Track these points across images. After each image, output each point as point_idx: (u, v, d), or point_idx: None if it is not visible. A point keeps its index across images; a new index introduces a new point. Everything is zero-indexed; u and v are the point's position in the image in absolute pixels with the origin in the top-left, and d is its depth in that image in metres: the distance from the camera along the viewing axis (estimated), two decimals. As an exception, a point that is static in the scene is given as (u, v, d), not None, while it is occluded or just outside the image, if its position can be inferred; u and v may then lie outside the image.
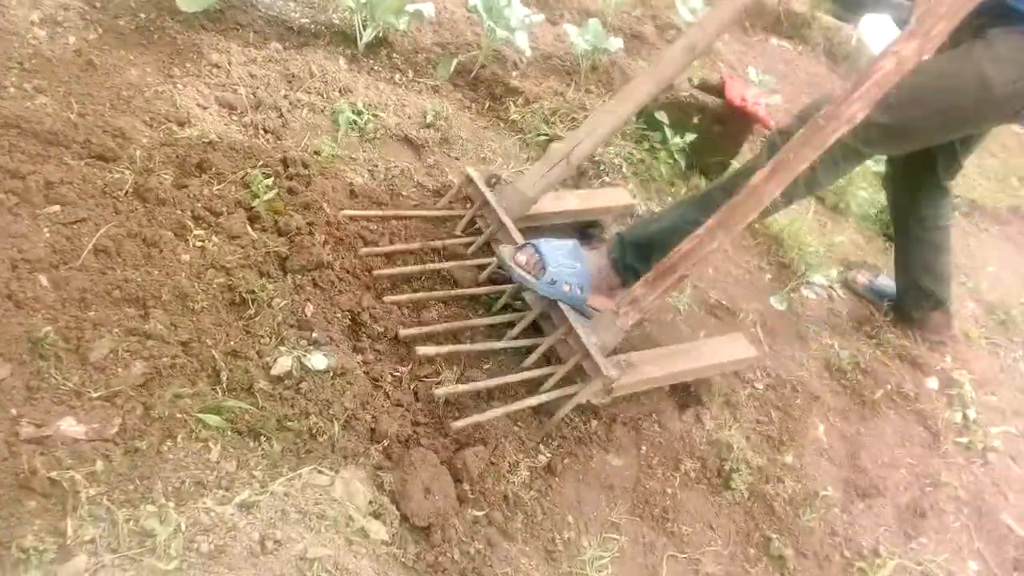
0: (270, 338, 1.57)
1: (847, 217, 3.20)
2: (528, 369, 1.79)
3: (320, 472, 1.39)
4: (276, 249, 1.73)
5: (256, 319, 1.58)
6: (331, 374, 1.54)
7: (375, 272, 1.84)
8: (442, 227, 2.08)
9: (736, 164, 2.93)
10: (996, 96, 1.75)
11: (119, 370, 1.38)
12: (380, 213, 1.99)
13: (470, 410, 1.67)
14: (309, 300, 1.67)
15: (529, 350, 1.83)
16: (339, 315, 1.70)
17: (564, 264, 1.79)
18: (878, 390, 2.38)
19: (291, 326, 1.61)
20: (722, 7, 1.93)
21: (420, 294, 1.85)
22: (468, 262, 1.97)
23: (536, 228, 2.11)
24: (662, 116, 2.77)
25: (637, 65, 3.36)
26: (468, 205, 2.11)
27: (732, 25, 2.01)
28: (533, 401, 1.71)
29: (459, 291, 1.92)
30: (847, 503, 2.02)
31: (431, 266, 1.92)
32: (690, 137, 2.75)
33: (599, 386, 1.71)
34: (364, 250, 1.86)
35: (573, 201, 2.22)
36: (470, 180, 2.06)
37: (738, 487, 1.88)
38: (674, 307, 2.33)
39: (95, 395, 1.33)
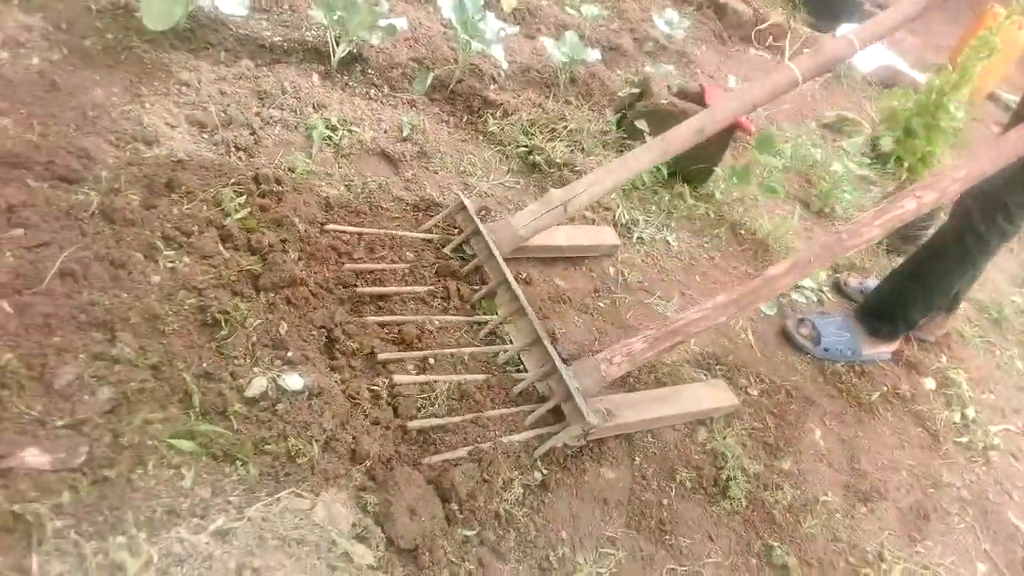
0: (244, 359, 1.51)
1: (832, 221, 3.18)
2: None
3: (300, 496, 1.32)
4: (249, 267, 1.67)
5: (229, 340, 1.52)
6: (308, 394, 1.48)
7: (359, 290, 1.79)
8: (425, 247, 2.04)
9: (719, 171, 2.90)
10: None
11: (85, 397, 1.31)
12: (359, 230, 1.94)
13: (450, 434, 1.61)
14: (283, 318, 1.61)
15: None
16: (314, 333, 1.64)
17: (835, 335, 2.39)
18: (874, 392, 2.34)
19: (265, 346, 1.55)
20: (732, 100, 2.16)
21: (402, 317, 1.80)
22: (479, 349, 1.87)
23: (521, 260, 2.11)
24: (643, 125, 2.75)
25: (615, 75, 3.35)
26: (456, 230, 2.09)
27: (736, 117, 2.24)
28: (512, 439, 1.65)
29: (447, 318, 1.87)
30: (848, 508, 1.97)
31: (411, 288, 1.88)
32: (672, 144, 2.72)
33: (577, 431, 1.66)
34: (348, 266, 1.82)
35: (560, 237, 2.21)
36: (462, 207, 2.05)
37: (736, 496, 1.83)
38: (662, 315, 2.29)
39: (60, 423, 1.26)
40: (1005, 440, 2.41)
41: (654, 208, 2.71)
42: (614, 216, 2.55)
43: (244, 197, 1.83)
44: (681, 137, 2.06)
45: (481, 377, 1.75)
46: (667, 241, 2.59)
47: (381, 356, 1.66)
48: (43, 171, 1.66)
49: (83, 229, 1.59)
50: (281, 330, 1.58)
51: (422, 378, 1.67)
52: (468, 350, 1.80)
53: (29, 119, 1.77)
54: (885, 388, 2.38)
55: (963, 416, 2.41)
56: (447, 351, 1.76)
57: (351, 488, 1.41)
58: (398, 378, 1.64)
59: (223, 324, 1.54)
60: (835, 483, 2.02)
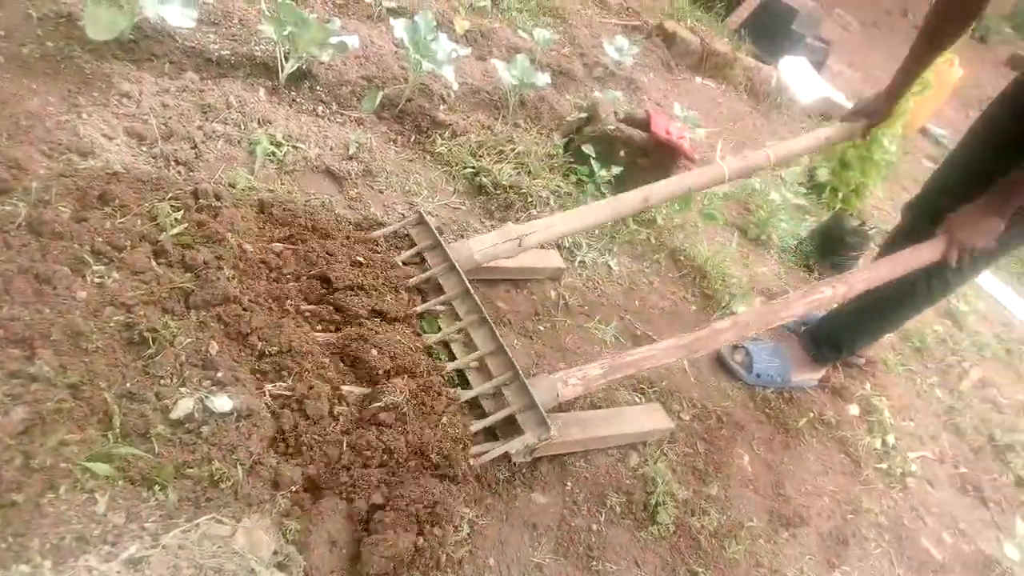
0: (171, 379, 1.48)
1: (768, 249, 3.28)
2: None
3: (220, 522, 1.31)
4: (182, 284, 1.65)
5: (156, 359, 1.49)
6: (236, 416, 1.46)
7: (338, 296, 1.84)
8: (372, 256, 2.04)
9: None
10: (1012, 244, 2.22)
11: (-2, 416, 1.28)
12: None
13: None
14: (214, 337, 1.59)
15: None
16: (245, 352, 1.62)
17: (767, 361, 2.48)
18: (801, 418, 2.41)
19: (195, 365, 1.53)
20: (673, 182, 2.40)
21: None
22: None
23: (472, 280, 2.11)
24: (589, 149, 2.80)
25: (564, 99, 3.41)
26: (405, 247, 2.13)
27: (673, 198, 2.58)
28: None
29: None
30: (772, 533, 2.03)
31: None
32: (616, 170, 2.79)
33: (532, 440, 1.71)
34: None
35: (508, 260, 2.24)
36: (421, 220, 2.12)
37: (664, 521, 1.86)
38: (601, 340, 2.33)
39: (-32, 444, 1.22)
40: (922, 467, 2.51)
41: (597, 232, 2.76)
42: (558, 240, 2.59)
43: (181, 212, 1.81)
44: (631, 202, 2.30)
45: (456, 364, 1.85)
46: (609, 265, 2.64)
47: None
48: (-31, 181, 1.61)
49: (7, 241, 1.55)
50: (212, 350, 1.56)
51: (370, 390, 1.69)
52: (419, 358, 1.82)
53: (-44, 126, 1.72)
54: (812, 414, 2.46)
55: (884, 443, 2.50)
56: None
57: (274, 514, 1.40)
58: (346, 389, 1.65)
59: (151, 342, 1.52)
60: (760, 508, 2.08)
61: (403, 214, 2.34)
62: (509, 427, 1.76)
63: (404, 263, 2.06)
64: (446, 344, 1.93)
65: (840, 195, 3.82)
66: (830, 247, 3.29)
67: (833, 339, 2.54)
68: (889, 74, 2.39)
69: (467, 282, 1.96)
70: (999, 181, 2.00)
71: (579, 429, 1.87)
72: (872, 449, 2.45)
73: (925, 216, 2.33)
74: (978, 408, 2.93)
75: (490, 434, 1.79)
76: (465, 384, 1.86)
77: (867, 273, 2.16)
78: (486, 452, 1.71)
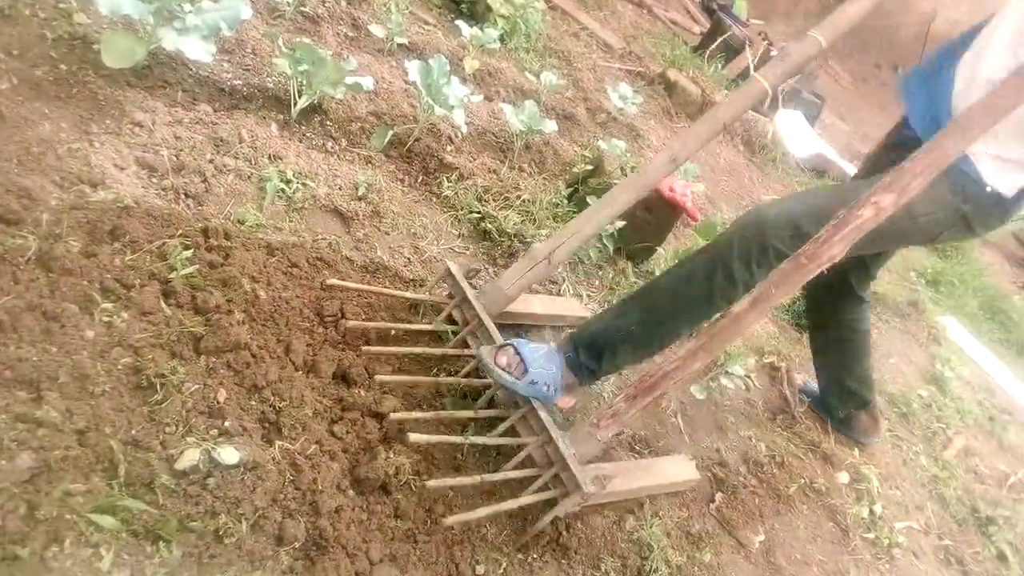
0: (176, 426, 1.46)
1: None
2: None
3: (223, 582, 1.28)
4: (192, 328, 1.63)
5: (163, 405, 1.47)
6: (242, 469, 1.44)
7: (363, 348, 1.86)
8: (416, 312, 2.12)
9: (662, 250, 3.01)
10: (919, 225, 1.90)
11: (3, 462, 1.25)
12: (361, 287, 2.00)
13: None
14: (222, 384, 1.57)
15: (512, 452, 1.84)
16: (254, 401, 1.60)
17: (543, 366, 1.88)
18: (792, 484, 2.43)
19: (201, 413, 1.51)
20: (702, 125, 2.06)
21: (412, 377, 1.90)
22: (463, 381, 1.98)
23: (506, 326, 2.15)
24: (593, 201, 2.82)
25: (569, 146, 3.44)
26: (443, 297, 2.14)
27: (710, 141, 2.15)
28: (512, 504, 1.71)
29: (450, 379, 1.96)
30: (763, 603, 2.03)
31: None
32: (619, 224, 2.81)
33: (577, 500, 1.71)
34: (350, 323, 1.88)
35: (537, 306, 2.27)
36: (449, 274, 2.08)
37: (658, 588, 1.86)
38: (599, 394, 2.33)
39: (-29, 492, 1.19)
40: (908, 537, 2.53)
41: (597, 283, 2.78)
42: (559, 290, 2.60)
43: (192, 251, 1.79)
44: (656, 169, 2.03)
45: (490, 440, 1.84)
46: (607, 318, 2.65)
47: (394, 416, 1.72)
48: (-20, 210, 1.59)
49: (17, 276, 1.53)
50: (220, 397, 1.55)
51: (436, 438, 1.73)
52: (466, 413, 1.88)
53: (-30, 151, 1.70)
54: (803, 480, 2.47)
55: (871, 512, 2.52)
56: (453, 413, 1.86)
57: (278, 572, 1.37)
58: (413, 437, 1.66)
59: (158, 388, 1.50)
60: (751, 576, 2.08)
61: (408, 258, 2.34)
62: (556, 481, 1.77)
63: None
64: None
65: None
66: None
67: (593, 344, 1.98)
68: (880, 128, 2.44)
69: (497, 338, 1.95)
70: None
71: (621, 480, 1.88)
72: (860, 518, 2.47)
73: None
74: (961, 478, 2.97)
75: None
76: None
77: (923, 158, 1.54)
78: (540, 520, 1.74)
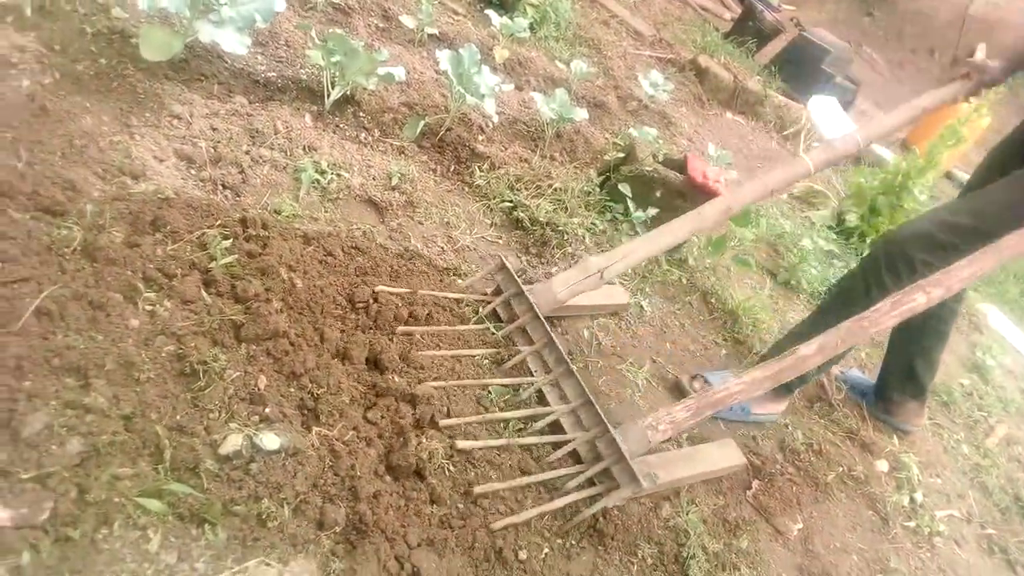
0: (220, 413, 1.49)
1: (798, 293, 3.28)
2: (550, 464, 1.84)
3: (267, 564, 1.30)
4: (232, 316, 1.65)
5: (206, 391, 1.50)
6: (283, 454, 1.46)
7: (415, 354, 1.86)
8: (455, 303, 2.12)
9: (695, 238, 2.98)
10: None
11: (54, 447, 1.28)
12: (407, 291, 2.01)
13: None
14: (263, 372, 1.60)
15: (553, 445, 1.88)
16: (293, 388, 1.62)
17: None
18: (830, 472, 2.39)
19: (242, 399, 1.53)
20: (751, 186, 2.29)
21: (456, 382, 1.88)
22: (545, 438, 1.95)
23: (551, 318, 2.21)
24: (626, 189, 2.81)
25: (600, 134, 3.42)
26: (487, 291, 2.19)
27: (762, 200, 2.43)
28: (559, 503, 1.73)
29: (494, 381, 1.96)
30: (801, 591, 2.01)
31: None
32: (652, 211, 2.79)
33: (628, 493, 1.74)
34: (401, 329, 1.90)
35: (581, 297, 2.26)
36: (503, 267, 2.15)
37: (695, 575, 1.85)
38: (632, 383, 2.32)
39: (25, 476, 1.22)
40: (949, 526, 2.49)
41: (630, 272, 2.76)
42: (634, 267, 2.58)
43: (230, 241, 1.82)
44: (714, 213, 2.25)
45: (534, 440, 1.85)
46: (641, 306, 2.64)
47: (443, 423, 1.74)
48: (27, 201, 1.63)
49: (63, 266, 1.56)
50: (260, 384, 1.57)
51: (481, 444, 1.75)
52: (516, 414, 1.89)
53: (16, 144, 1.74)
54: (841, 468, 2.44)
55: (912, 500, 2.48)
56: (499, 415, 1.86)
57: (320, 555, 1.39)
58: (460, 444, 1.70)
59: (200, 375, 1.52)
60: (789, 565, 2.06)
61: (442, 247, 2.34)
62: (603, 475, 1.79)
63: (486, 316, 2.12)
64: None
65: (869, 240, 3.81)
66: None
67: None
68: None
69: (550, 332, 2.00)
70: None
71: (666, 472, 1.91)
72: (900, 506, 2.43)
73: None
74: (1004, 466, 2.91)
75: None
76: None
77: (968, 268, 1.87)
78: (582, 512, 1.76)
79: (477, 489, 1.65)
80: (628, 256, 2.15)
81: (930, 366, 2.61)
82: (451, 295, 2.11)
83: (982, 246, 1.92)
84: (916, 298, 1.85)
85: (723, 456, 2.13)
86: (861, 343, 1.92)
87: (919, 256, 2.12)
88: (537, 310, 2.04)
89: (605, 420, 1.81)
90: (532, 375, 2.01)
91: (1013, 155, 2.26)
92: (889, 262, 2.16)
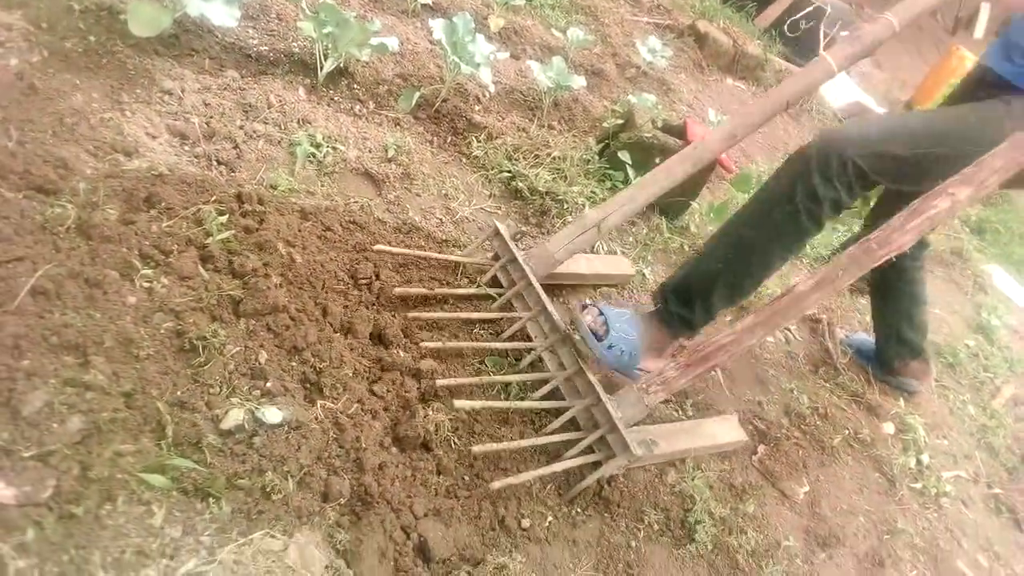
0: (221, 388, 1.48)
1: (801, 258, 3.25)
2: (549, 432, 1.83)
3: (273, 536, 1.30)
4: (230, 291, 1.64)
5: (206, 367, 1.49)
6: (286, 428, 1.46)
7: (411, 315, 1.86)
8: (454, 273, 2.11)
9: (696, 205, 2.95)
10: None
11: (54, 425, 1.28)
12: (406, 251, 2.00)
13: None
14: (263, 346, 1.59)
15: (554, 412, 1.86)
16: (294, 362, 1.61)
17: (624, 331, 1.85)
18: (836, 436, 2.39)
19: (243, 375, 1.52)
20: (763, 101, 2.03)
21: (455, 343, 1.89)
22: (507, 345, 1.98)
23: (549, 287, 2.15)
24: (625, 156, 2.77)
25: (599, 102, 3.38)
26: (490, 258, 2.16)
27: (771, 119, 2.08)
28: (557, 467, 1.71)
29: (492, 344, 1.96)
30: (808, 553, 2.01)
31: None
32: (652, 178, 2.75)
33: (623, 462, 1.72)
34: (398, 290, 1.89)
35: (583, 265, 2.26)
36: (497, 234, 2.09)
37: (702, 539, 1.85)
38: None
39: (27, 454, 1.22)
40: (956, 487, 2.49)
41: (631, 240, 2.74)
42: (593, 247, 2.57)
43: (227, 217, 1.80)
44: (714, 144, 2.02)
45: (533, 404, 1.85)
46: (643, 274, 2.62)
47: (440, 382, 1.73)
48: (19, 181, 1.60)
49: (58, 244, 1.54)
50: (261, 359, 1.56)
51: (481, 404, 1.73)
52: (513, 377, 1.89)
53: (5, 124, 1.71)
54: (847, 431, 2.44)
55: (918, 462, 2.48)
56: (496, 378, 1.86)
57: (325, 527, 1.39)
58: (458, 403, 1.67)
59: (200, 350, 1.51)
60: (796, 527, 2.06)
61: (440, 219, 2.32)
62: (601, 443, 1.78)
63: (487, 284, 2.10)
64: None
65: (872, 203, 3.77)
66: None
67: (683, 289, 1.97)
68: (918, 75, 2.37)
69: (544, 299, 1.95)
70: None
71: (667, 443, 1.89)
72: (906, 468, 2.43)
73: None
74: (1010, 427, 2.91)
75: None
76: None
77: (1002, 158, 1.57)
78: (581, 483, 1.75)
79: (475, 448, 1.64)
80: (627, 204, 2.02)
81: (917, 327, 2.58)
82: (451, 258, 2.10)
83: (923, 166, 1.75)
84: (938, 204, 1.54)
85: (725, 432, 2.11)
86: (868, 269, 1.62)
87: (856, 160, 1.79)
88: (531, 277, 1.99)
89: (598, 389, 1.78)
90: (532, 341, 1.99)
91: (966, 93, 2.13)
92: (822, 163, 1.79)
